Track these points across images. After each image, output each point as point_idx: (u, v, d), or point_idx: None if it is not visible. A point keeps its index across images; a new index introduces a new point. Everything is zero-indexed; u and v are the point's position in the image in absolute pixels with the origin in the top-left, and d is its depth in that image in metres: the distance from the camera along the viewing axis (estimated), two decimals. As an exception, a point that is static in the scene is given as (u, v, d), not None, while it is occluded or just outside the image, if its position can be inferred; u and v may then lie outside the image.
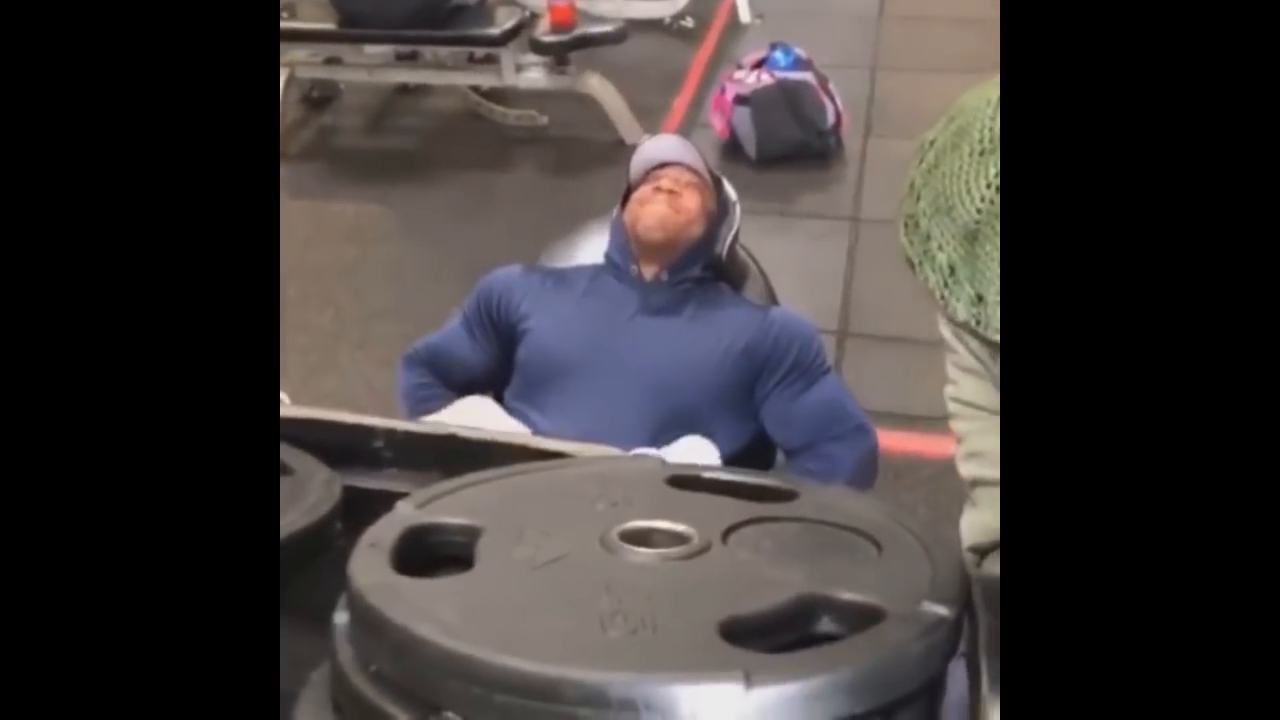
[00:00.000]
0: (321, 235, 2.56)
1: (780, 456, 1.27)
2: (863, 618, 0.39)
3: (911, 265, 0.53)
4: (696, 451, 1.15)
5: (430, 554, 0.45)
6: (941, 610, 0.39)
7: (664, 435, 1.17)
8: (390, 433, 0.60)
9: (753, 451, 1.24)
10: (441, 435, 0.61)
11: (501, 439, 0.61)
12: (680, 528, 0.46)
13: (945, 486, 1.81)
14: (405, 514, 0.47)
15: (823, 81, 2.78)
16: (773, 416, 1.23)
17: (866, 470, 1.22)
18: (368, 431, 0.60)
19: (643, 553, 0.44)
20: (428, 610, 0.38)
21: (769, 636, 0.39)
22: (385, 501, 0.50)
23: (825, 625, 0.40)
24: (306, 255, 2.45)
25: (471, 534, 0.45)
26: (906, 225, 0.54)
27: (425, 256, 2.48)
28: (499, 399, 1.30)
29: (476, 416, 1.16)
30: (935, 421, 2.08)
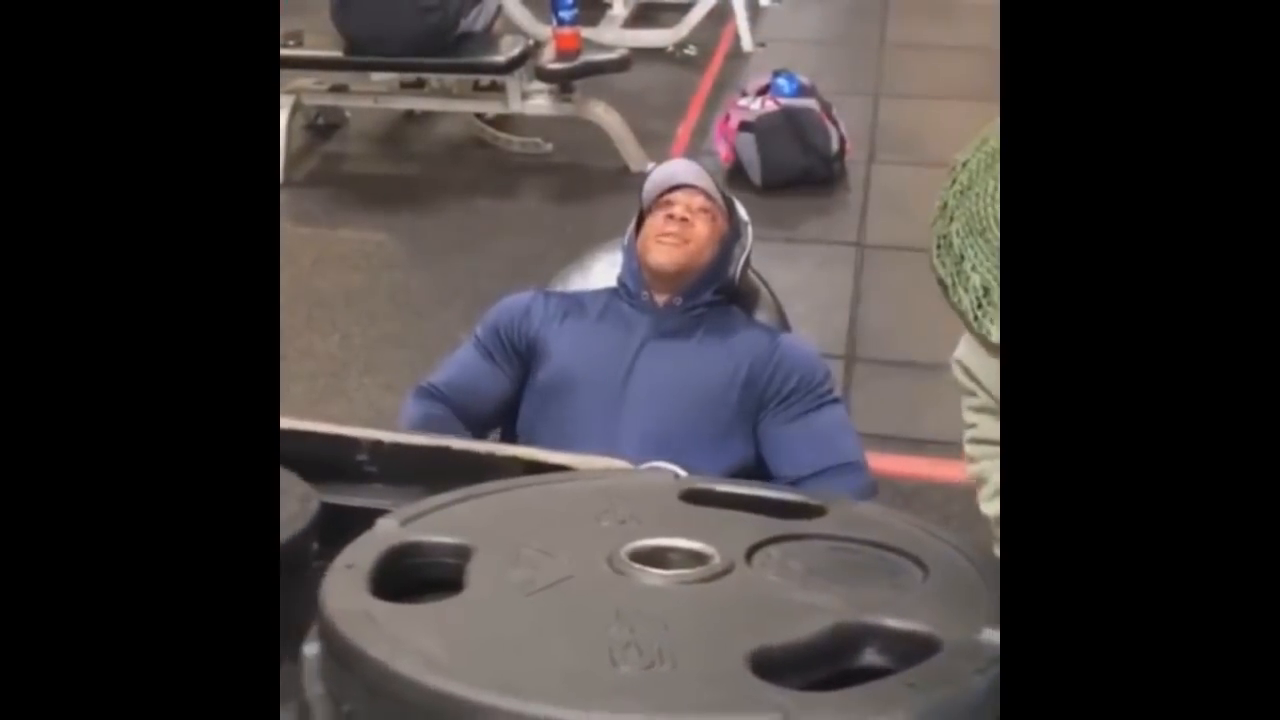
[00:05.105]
0: (328, 262, 2.54)
1: None
2: (914, 648, 0.34)
3: (944, 287, 0.51)
4: None
5: (414, 577, 0.40)
6: (1005, 640, 0.34)
7: (674, 456, 1.13)
8: (375, 444, 0.55)
9: (756, 477, 1.20)
10: (431, 447, 0.56)
11: (497, 451, 0.56)
12: (698, 546, 0.41)
13: (955, 513, 1.75)
14: (387, 532, 0.42)
15: (826, 108, 2.78)
16: (766, 440, 1.20)
17: None
18: (350, 443, 0.55)
19: (656, 574, 0.39)
20: (409, 641, 0.33)
21: (805, 671, 0.33)
22: (367, 520, 0.45)
23: (869, 657, 0.35)
24: (313, 281, 2.43)
25: (461, 554, 0.40)
26: (939, 246, 0.53)
27: (431, 283, 2.46)
28: (511, 428, 1.26)
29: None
30: (944, 446, 2.03)
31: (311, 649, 0.37)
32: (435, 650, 0.33)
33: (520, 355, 1.25)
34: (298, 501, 0.49)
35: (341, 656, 0.34)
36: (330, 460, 0.54)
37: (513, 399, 1.25)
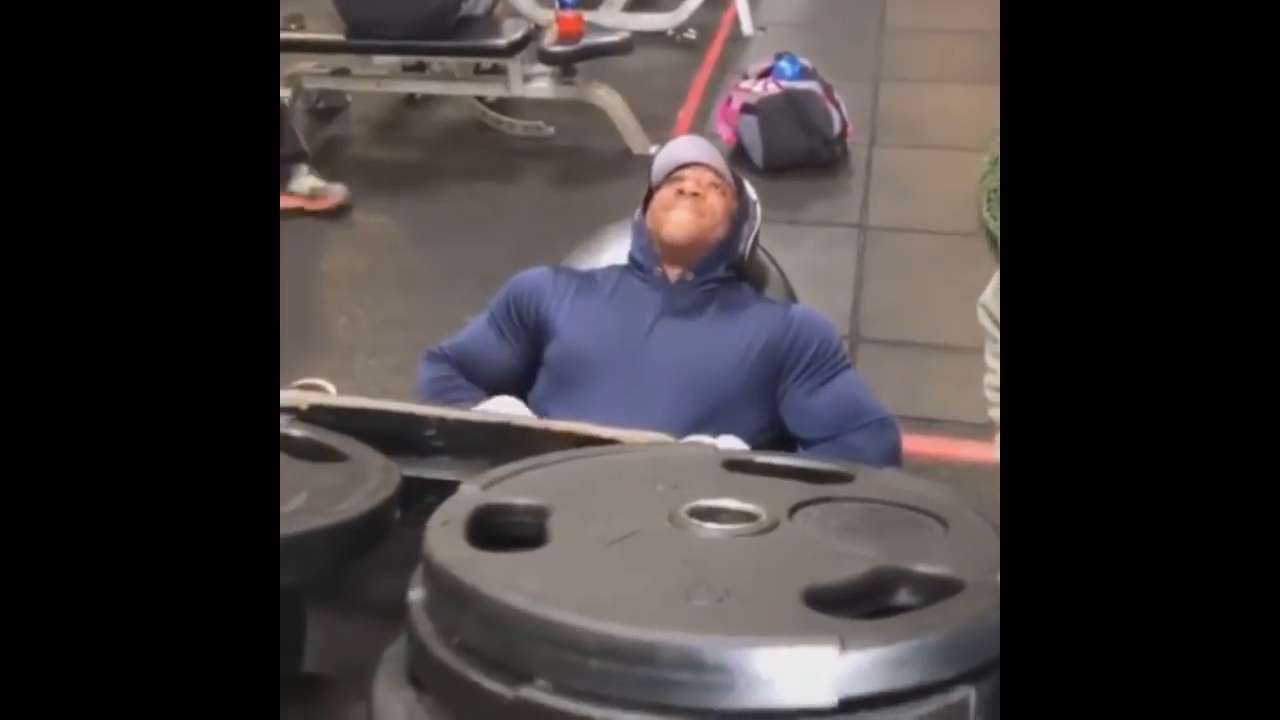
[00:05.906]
0: (332, 245, 2.57)
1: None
2: (941, 589, 0.39)
3: (992, 239, 0.54)
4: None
5: (500, 533, 0.46)
6: (1019, 580, 0.39)
7: (689, 432, 1.17)
8: (442, 421, 0.60)
9: (775, 447, 1.25)
10: (493, 424, 0.61)
11: (552, 427, 0.61)
12: (747, 506, 0.46)
13: (963, 491, 1.81)
14: (472, 495, 0.47)
15: (828, 90, 2.81)
16: (792, 410, 1.24)
17: (893, 464, 1.23)
18: (419, 420, 0.61)
19: (714, 528, 0.44)
20: (513, 581, 0.38)
21: (850, 607, 0.39)
22: (437, 489, 0.50)
23: (903, 597, 0.40)
24: (318, 265, 2.46)
25: (540, 513, 0.46)
26: (989, 200, 0.55)
27: (435, 266, 2.49)
28: (523, 400, 1.31)
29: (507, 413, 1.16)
30: (949, 425, 2.06)
31: (417, 594, 0.42)
32: (537, 588, 0.38)
33: (528, 330, 1.28)
34: (382, 472, 0.54)
35: (454, 596, 0.39)
36: (401, 436, 0.60)
37: (518, 372, 1.28)
